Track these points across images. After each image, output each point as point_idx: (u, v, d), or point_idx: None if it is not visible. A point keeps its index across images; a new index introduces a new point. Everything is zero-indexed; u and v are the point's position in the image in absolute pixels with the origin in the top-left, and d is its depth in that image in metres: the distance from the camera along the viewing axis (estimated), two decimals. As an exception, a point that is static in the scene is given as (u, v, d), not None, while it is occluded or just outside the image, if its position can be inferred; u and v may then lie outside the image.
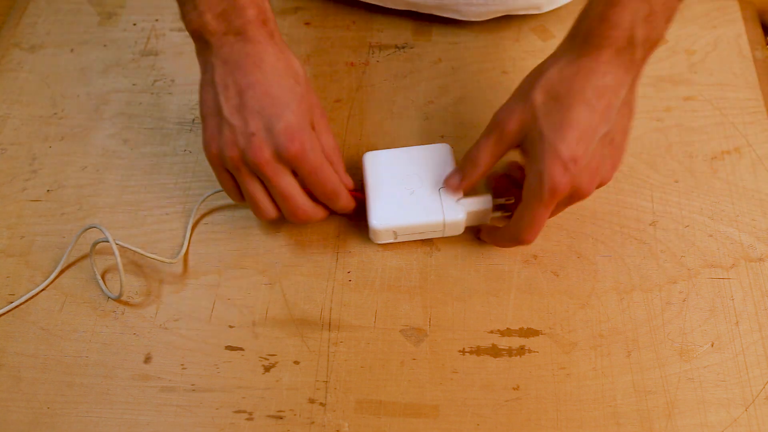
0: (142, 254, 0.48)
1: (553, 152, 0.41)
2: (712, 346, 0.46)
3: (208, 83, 0.45)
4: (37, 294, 0.49)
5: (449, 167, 0.50)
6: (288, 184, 0.45)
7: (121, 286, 0.47)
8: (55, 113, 0.59)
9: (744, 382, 0.45)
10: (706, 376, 0.45)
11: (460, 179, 0.47)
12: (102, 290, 0.49)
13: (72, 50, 0.63)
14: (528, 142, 0.43)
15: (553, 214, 0.45)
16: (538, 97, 0.42)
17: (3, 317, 0.49)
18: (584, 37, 0.41)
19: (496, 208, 0.49)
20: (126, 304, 0.49)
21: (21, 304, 0.49)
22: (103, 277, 0.50)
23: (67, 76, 0.61)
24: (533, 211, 0.43)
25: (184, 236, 0.51)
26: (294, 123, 0.43)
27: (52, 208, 0.54)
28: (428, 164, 0.50)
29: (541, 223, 0.44)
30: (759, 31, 0.62)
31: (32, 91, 0.60)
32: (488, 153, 0.45)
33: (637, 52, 0.41)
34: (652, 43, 0.41)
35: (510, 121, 0.43)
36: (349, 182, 0.49)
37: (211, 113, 0.45)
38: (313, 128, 0.46)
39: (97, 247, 0.50)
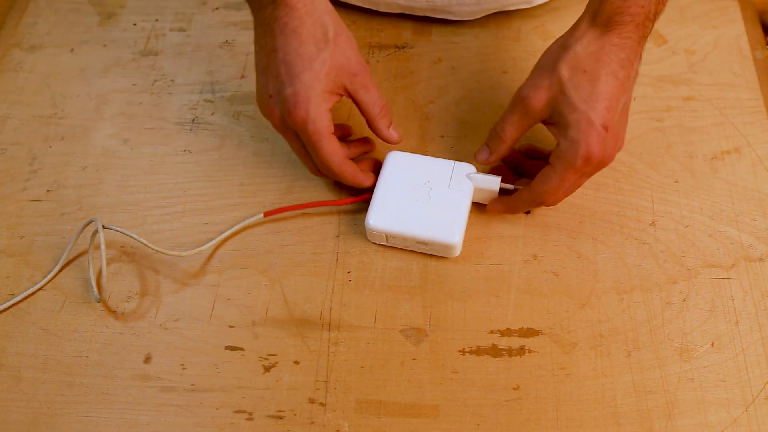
0: (145, 244, 0.47)
1: (587, 121, 0.43)
2: (712, 346, 0.46)
3: (254, 43, 0.49)
4: (37, 291, 0.49)
5: (466, 187, 0.49)
6: (297, 147, 0.49)
7: (102, 287, 0.47)
8: (55, 113, 0.59)
9: (744, 382, 0.45)
10: (706, 376, 0.45)
11: (488, 153, 0.49)
12: (92, 290, 0.48)
13: (72, 50, 0.63)
14: (558, 114, 0.45)
15: (576, 185, 0.48)
16: (565, 71, 0.44)
17: (3, 318, 0.49)
18: (609, 15, 0.44)
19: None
20: (126, 303, 0.49)
21: (21, 301, 0.49)
22: (98, 277, 0.49)
23: (67, 76, 0.61)
24: (563, 175, 0.45)
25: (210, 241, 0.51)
26: (300, 91, 0.45)
27: (52, 208, 0.54)
28: (445, 179, 0.50)
29: (568, 189, 0.47)
30: (759, 31, 0.62)
31: (32, 91, 0.60)
32: (514, 127, 0.47)
33: (649, 26, 0.45)
34: (657, 17, 0.45)
35: (536, 96, 0.45)
36: (394, 137, 0.50)
37: (256, 67, 0.49)
38: (347, 90, 0.47)
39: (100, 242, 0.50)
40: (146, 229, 0.52)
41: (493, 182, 0.49)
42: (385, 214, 0.48)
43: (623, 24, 0.44)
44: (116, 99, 0.59)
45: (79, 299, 0.49)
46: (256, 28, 0.48)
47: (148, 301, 0.49)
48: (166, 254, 0.49)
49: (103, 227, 0.48)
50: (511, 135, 0.47)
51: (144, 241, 0.48)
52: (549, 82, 0.45)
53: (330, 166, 0.47)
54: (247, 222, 0.51)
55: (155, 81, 0.60)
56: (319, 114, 0.45)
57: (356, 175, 0.49)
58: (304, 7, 0.46)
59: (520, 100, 0.46)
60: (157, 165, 0.55)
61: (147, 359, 0.47)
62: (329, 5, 0.47)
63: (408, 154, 0.51)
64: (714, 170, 0.53)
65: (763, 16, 0.63)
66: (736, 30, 0.61)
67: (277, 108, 0.46)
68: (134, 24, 0.64)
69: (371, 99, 0.49)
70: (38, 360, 0.47)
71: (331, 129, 0.47)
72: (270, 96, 0.46)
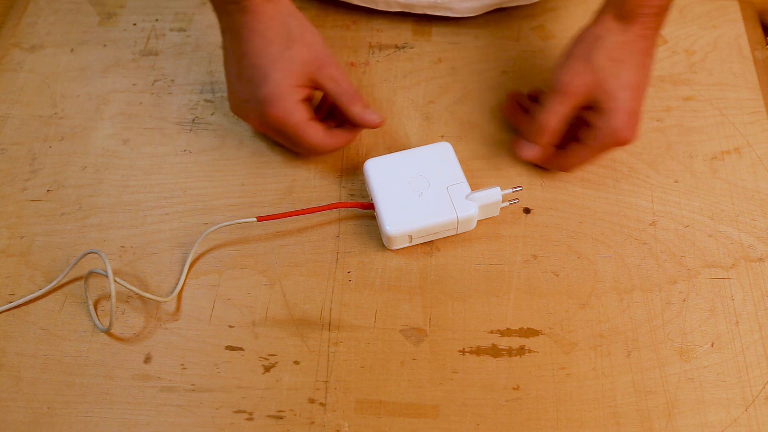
0: (137, 292, 0.47)
1: (624, 110, 0.47)
2: (712, 346, 0.46)
3: (223, 49, 0.51)
4: (36, 299, 0.49)
5: (453, 165, 0.50)
6: (284, 141, 0.52)
7: (111, 319, 0.47)
8: (55, 113, 0.59)
9: (744, 382, 0.45)
10: (706, 376, 0.45)
11: (536, 149, 0.51)
12: (93, 320, 0.48)
13: (72, 50, 0.63)
14: (595, 101, 0.48)
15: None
16: (602, 60, 0.48)
17: (3, 318, 0.49)
18: (632, 9, 0.47)
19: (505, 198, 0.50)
20: (126, 303, 0.49)
21: (20, 305, 0.49)
22: (96, 305, 0.49)
23: (67, 76, 0.61)
24: (595, 154, 0.50)
25: (181, 273, 0.50)
26: (272, 90, 0.48)
27: (52, 208, 0.54)
28: (432, 164, 0.50)
29: (588, 162, 0.52)
30: (759, 31, 0.62)
31: (32, 91, 0.60)
32: (558, 116, 0.49)
33: (663, 17, 0.49)
34: (670, 7, 0.49)
35: (577, 81, 0.48)
36: (372, 119, 0.51)
37: (227, 76, 0.52)
38: (317, 82, 0.50)
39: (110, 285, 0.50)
40: (146, 229, 0.52)
41: (495, 194, 0.49)
42: (398, 217, 0.48)
43: (645, 16, 0.47)
44: (116, 99, 0.59)
45: (80, 299, 0.49)
46: (224, 35, 0.50)
47: (148, 301, 0.49)
48: (152, 299, 0.49)
49: (96, 263, 0.47)
50: (556, 124, 0.49)
51: (136, 290, 0.47)
52: (586, 69, 0.48)
53: (317, 148, 0.51)
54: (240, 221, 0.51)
55: (155, 81, 0.60)
56: (292, 107, 0.48)
57: (342, 139, 0.52)
58: (269, 11, 0.48)
59: (560, 87, 0.48)
60: (157, 165, 0.55)
61: (147, 359, 0.47)
62: (293, 7, 0.50)
63: (382, 156, 0.51)
64: (714, 170, 0.53)
65: (763, 16, 0.63)
66: (736, 30, 0.61)
67: (253, 111, 0.49)
68: (134, 24, 0.64)
69: (341, 88, 0.50)
70: (38, 360, 0.47)
71: (308, 116, 0.49)
72: (245, 101, 0.50)
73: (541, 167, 0.54)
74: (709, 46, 0.60)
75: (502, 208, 0.51)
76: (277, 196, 0.53)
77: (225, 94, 0.59)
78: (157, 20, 0.64)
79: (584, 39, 0.49)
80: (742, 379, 0.45)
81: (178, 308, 0.49)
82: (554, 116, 0.49)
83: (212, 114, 0.58)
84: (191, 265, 0.50)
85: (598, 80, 0.47)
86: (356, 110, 0.51)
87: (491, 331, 0.47)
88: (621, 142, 0.48)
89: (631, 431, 0.44)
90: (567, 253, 0.50)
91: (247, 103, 0.49)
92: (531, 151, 0.51)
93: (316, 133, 0.50)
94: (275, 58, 0.48)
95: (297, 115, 0.49)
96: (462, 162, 0.51)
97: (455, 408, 0.45)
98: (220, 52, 0.61)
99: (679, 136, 0.55)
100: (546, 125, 0.49)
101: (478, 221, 0.51)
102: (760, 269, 0.49)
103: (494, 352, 0.46)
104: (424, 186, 0.49)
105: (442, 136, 0.56)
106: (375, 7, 0.62)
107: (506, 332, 0.47)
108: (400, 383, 0.46)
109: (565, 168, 0.52)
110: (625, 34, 0.48)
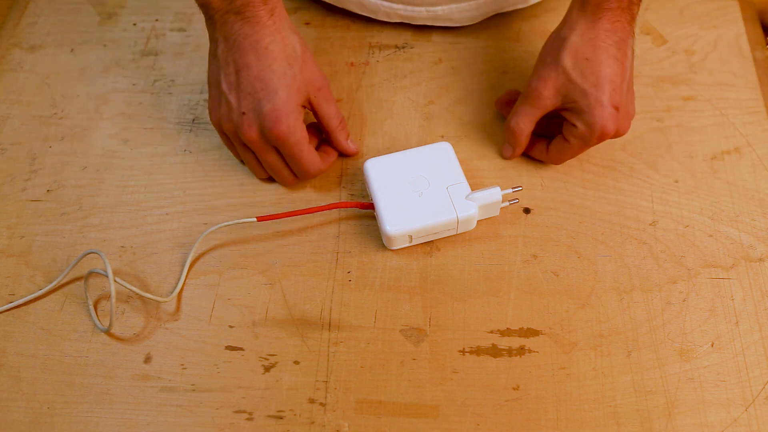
0: (137, 292, 0.47)
1: (599, 105, 0.47)
2: (712, 346, 0.46)
3: (212, 56, 0.49)
4: (36, 299, 0.49)
5: (453, 165, 0.50)
6: (274, 160, 0.50)
7: (111, 319, 0.46)
8: (55, 113, 0.59)
9: (744, 382, 0.45)
10: (706, 376, 0.45)
11: (511, 150, 0.53)
12: (93, 320, 0.48)
13: (72, 50, 0.63)
14: (570, 101, 0.48)
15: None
16: (568, 61, 0.48)
17: (3, 318, 0.49)
18: (596, 4, 0.47)
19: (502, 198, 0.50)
20: (126, 303, 0.49)
21: (20, 305, 0.49)
22: (96, 305, 0.49)
23: (67, 76, 0.61)
24: (579, 149, 0.50)
25: (181, 273, 0.50)
26: (279, 107, 0.47)
27: (52, 208, 0.54)
28: (432, 164, 0.50)
29: (578, 154, 0.52)
30: (759, 31, 0.62)
31: (32, 91, 0.60)
32: (527, 119, 0.51)
33: (635, 8, 0.49)
34: (639, 1, 0.49)
35: (545, 87, 0.49)
36: (352, 149, 0.54)
37: (213, 84, 0.50)
38: (311, 102, 0.50)
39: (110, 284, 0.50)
40: (146, 229, 0.52)
41: (495, 194, 0.49)
42: (398, 217, 0.48)
43: (610, 10, 0.47)
44: (116, 99, 0.59)
45: (80, 299, 0.49)
46: (216, 43, 0.48)
47: (148, 301, 0.49)
48: (152, 299, 0.49)
49: (96, 265, 0.47)
50: (527, 127, 0.51)
51: (137, 290, 0.47)
52: (555, 74, 0.48)
53: (310, 171, 0.51)
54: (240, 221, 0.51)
55: (155, 81, 0.60)
56: (298, 126, 0.48)
57: (327, 164, 0.53)
58: (274, 24, 0.48)
59: (530, 92, 0.50)
60: (157, 165, 0.55)
61: (147, 359, 0.47)
62: (292, 24, 0.50)
63: (382, 156, 0.51)
64: (714, 170, 0.53)
65: (763, 16, 0.63)
66: (736, 30, 0.61)
67: (254, 124, 0.48)
68: (134, 24, 0.64)
69: (332, 112, 0.52)
70: (38, 360, 0.47)
71: (307, 137, 0.50)
72: (244, 113, 0.48)
73: (541, 164, 0.54)
74: (709, 46, 0.60)
75: (502, 208, 0.51)
76: (277, 196, 0.53)
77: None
78: (157, 20, 0.64)
79: (551, 42, 0.50)
80: (742, 379, 0.45)
81: (178, 308, 0.49)
82: (524, 121, 0.51)
83: (212, 114, 0.58)
84: (191, 265, 0.50)
85: (568, 82, 0.48)
86: (342, 135, 0.53)
87: (491, 331, 0.47)
88: (606, 136, 0.48)
89: (631, 431, 0.44)
90: (567, 253, 0.50)
91: (246, 117, 0.48)
92: (507, 152, 0.54)
93: (313, 155, 0.50)
94: (282, 75, 0.47)
95: (301, 134, 0.48)
96: (462, 162, 0.51)
97: (455, 408, 0.45)
98: (220, 52, 0.62)
99: (679, 136, 0.55)
100: (515, 129, 0.51)
101: (478, 221, 0.51)
102: (760, 269, 0.49)
103: (494, 352, 0.46)
104: (424, 186, 0.49)
105: (442, 136, 0.56)
106: (375, 17, 0.62)
107: (506, 332, 0.47)
108: (400, 383, 0.46)
109: (555, 162, 0.53)
110: (592, 30, 0.48)
